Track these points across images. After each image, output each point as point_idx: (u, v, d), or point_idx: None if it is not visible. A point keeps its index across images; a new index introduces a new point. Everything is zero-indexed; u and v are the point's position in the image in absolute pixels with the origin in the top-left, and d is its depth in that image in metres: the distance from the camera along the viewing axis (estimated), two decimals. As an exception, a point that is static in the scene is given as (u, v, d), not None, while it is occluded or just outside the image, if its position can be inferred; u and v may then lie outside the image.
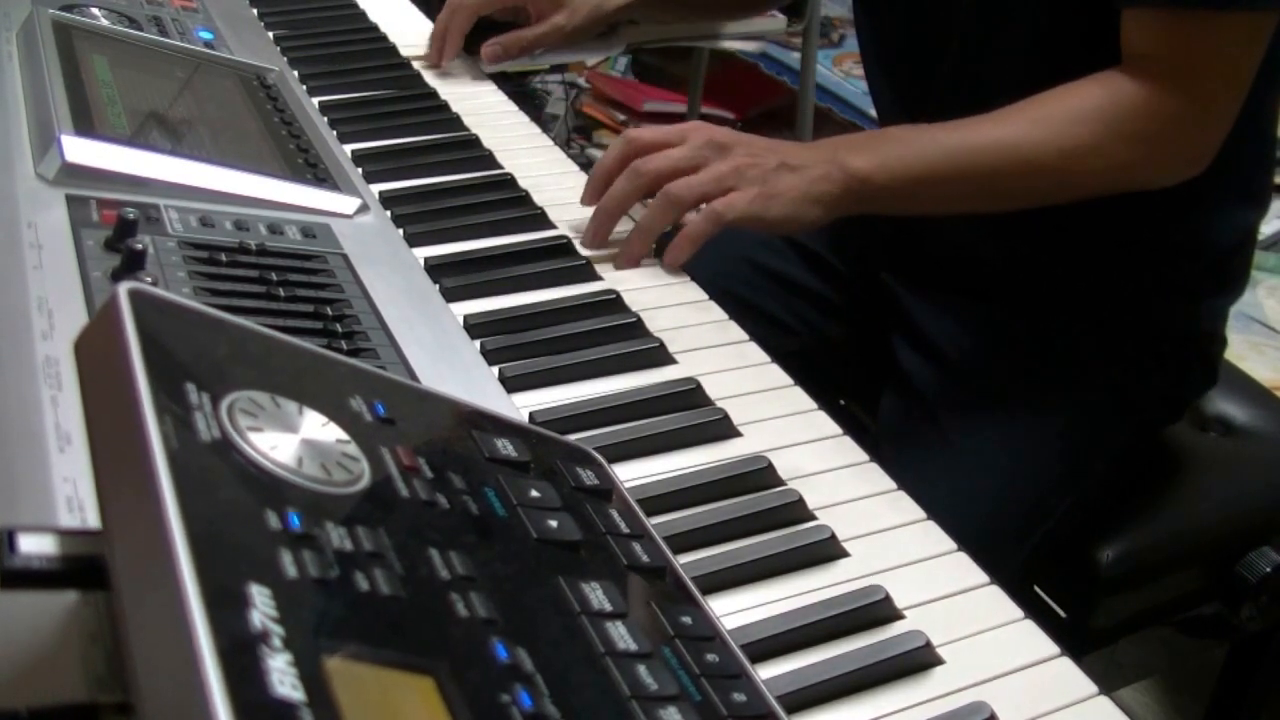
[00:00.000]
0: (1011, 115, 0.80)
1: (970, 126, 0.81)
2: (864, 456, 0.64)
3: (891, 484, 0.62)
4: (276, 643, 0.28)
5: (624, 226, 0.81)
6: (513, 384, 0.65)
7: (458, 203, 0.84)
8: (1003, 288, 0.93)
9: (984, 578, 0.57)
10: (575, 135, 2.75)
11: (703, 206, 0.77)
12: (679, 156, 0.78)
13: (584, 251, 0.80)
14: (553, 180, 0.90)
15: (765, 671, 0.48)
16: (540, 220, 0.84)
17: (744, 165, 0.77)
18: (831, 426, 0.66)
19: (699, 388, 0.66)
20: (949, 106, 0.91)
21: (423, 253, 0.77)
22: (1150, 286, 0.92)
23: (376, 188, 0.85)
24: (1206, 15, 0.75)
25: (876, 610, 0.53)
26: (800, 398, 0.68)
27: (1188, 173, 0.80)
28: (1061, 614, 0.91)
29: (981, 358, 0.91)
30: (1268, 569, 0.94)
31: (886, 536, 0.59)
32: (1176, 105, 0.77)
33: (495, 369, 0.66)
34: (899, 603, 0.54)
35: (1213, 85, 0.77)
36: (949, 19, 0.88)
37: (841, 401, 1.14)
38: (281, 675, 0.27)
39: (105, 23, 0.96)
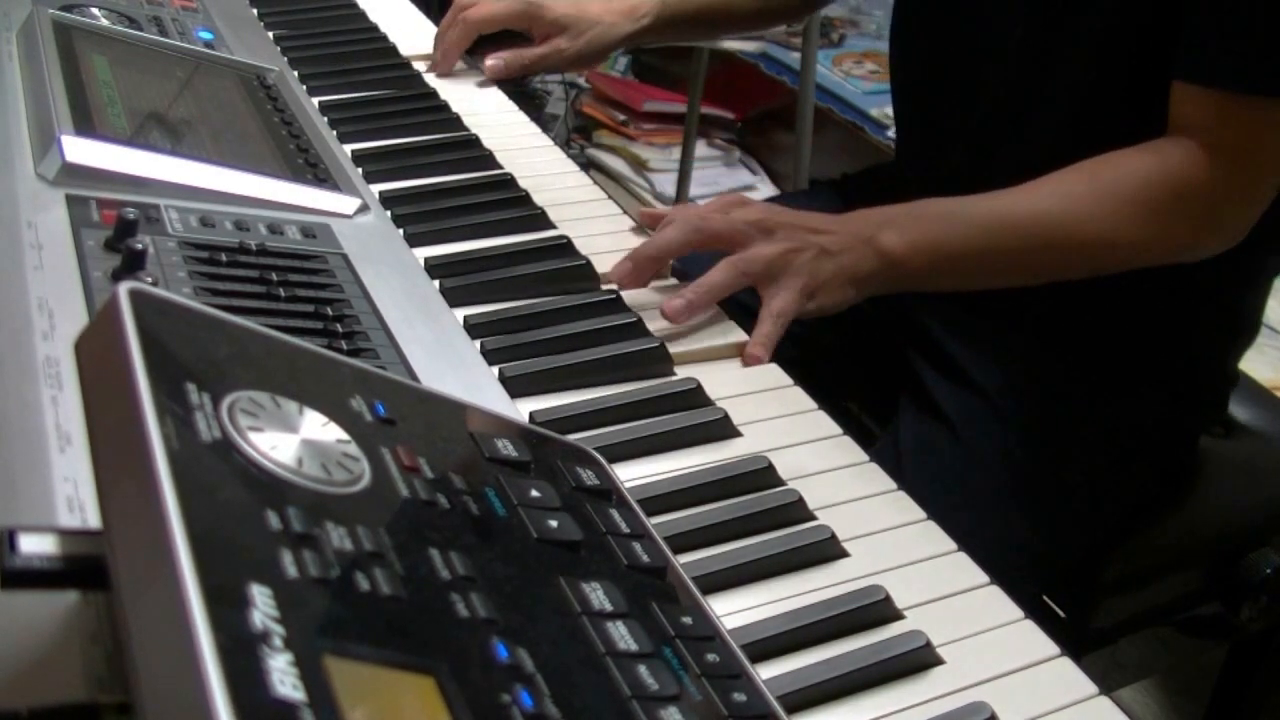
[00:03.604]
0: (1049, 188, 0.79)
1: (1007, 199, 0.80)
2: (864, 457, 0.64)
3: (892, 484, 0.62)
4: (277, 642, 0.28)
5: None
6: (513, 384, 0.65)
7: (458, 203, 0.84)
8: (1024, 316, 0.93)
9: (984, 578, 0.57)
10: (575, 135, 2.75)
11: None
12: (733, 225, 0.77)
13: (584, 252, 0.80)
14: (553, 180, 0.90)
15: (765, 671, 0.48)
16: (540, 220, 0.84)
17: (790, 252, 0.76)
18: (831, 426, 0.66)
19: (699, 388, 0.66)
20: (983, 149, 0.90)
21: (423, 253, 0.77)
22: (1174, 328, 0.92)
23: (376, 188, 0.85)
24: (1263, 101, 0.74)
25: (877, 610, 0.53)
26: (800, 398, 0.68)
27: (1223, 248, 0.80)
28: (1061, 614, 0.91)
29: (1002, 382, 0.91)
30: (1268, 569, 0.94)
31: (886, 536, 0.59)
32: (1221, 186, 0.76)
33: (495, 369, 0.66)
34: (899, 603, 0.54)
35: (1260, 168, 0.77)
36: (989, 64, 0.88)
37: (844, 404, 1.14)
38: (282, 675, 0.27)
39: (105, 23, 0.96)
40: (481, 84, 1.09)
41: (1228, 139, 0.76)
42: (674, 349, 0.70)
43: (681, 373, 0.69)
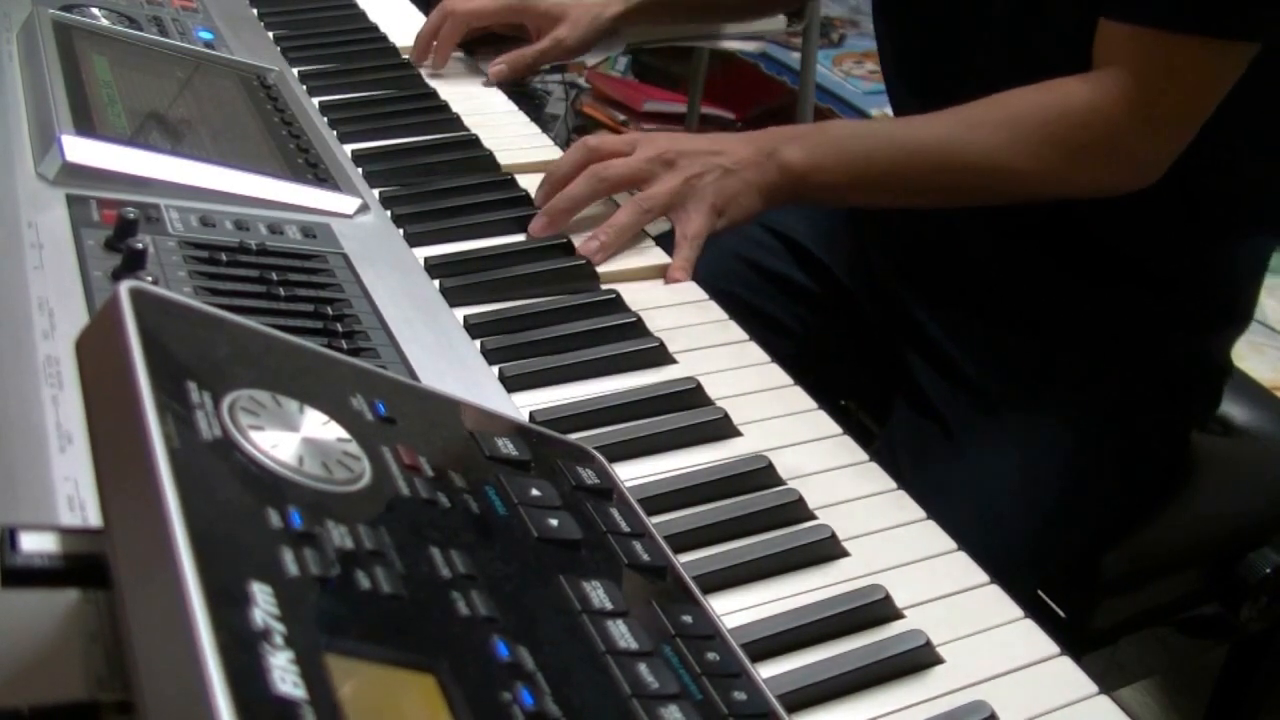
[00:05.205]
0: (953, 116, 0.82)
1: (914, 123, 0.84)
2: (864, 456, 0.64)
3: (891, 484, 0.62)
4: (278, 640, 0.28)
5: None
6: (513, 383, 0.65)
7: (458, 203, 0.84)
8: (1019, 311, 0.93)
9: (984, 577, 0.57)
10: (575, 135, 2.75)
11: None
12: (635, 167, 0.82)
13: (584, 252, 0.80)
14: (553, 180, 0.90)
15: (766, 670, 0.48)
16: (540, 220, 0.84)
17: (692, 178, 0.81)
18: (831, 426, 0.66)
19: (699, 387, 0.66)
20: None
21: (423, 253, 0.77)
22: (1166, 320, 0.92)
23: (376, 188, 0.85)
24: (1169, 36, 0.75)
25: (876, 609, 0.53)
26: (800, 397, 0.68)
27: (1131, 186, 0.81)
28: (1061, 614, 0.91)
29: (996, 377, 0.91)
30: (1268, 569, 0.94)
31: (886, 536, 0.59)
32: (1123, 120, 0.77)
33: (495, 368, 0.66)
34: (899, 602, 0.54)
35: (1166, 105, 0.77)
36: (976, 33, 0.88)
37: (842, 402, 1.14)
38: (283, 673, 0.27)
39: (105, 23, 0.96)
40: (484, 84, 1.09)
41: (1142, 74, 0.77)
42: (674, 348, 0.70)
43: (680, 370, 0.68)
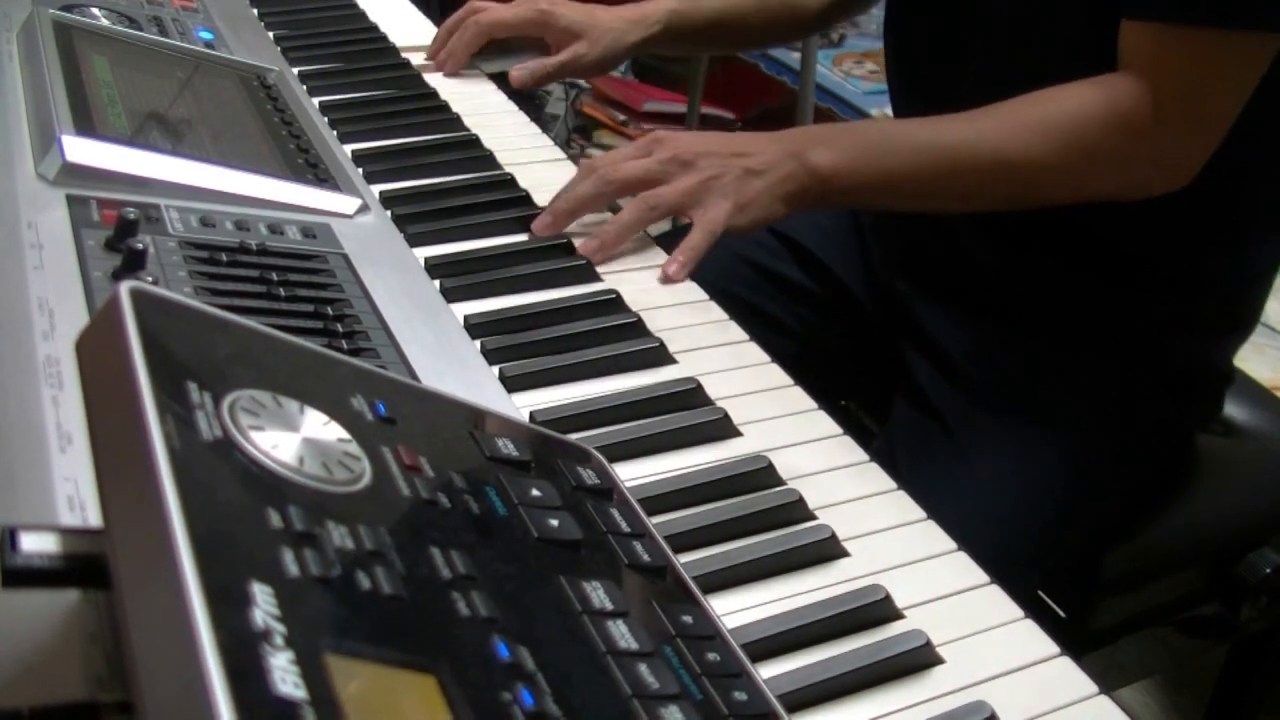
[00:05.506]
0: (981, 118, 0.81)
1: (938, 126, 0.82)
2: (864, 456, 0.64)
3: (891, 484, 0.62)
4: (278, 641, 0.28)
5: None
6: (513, 383, 0.65)
7: (458, 203, 0.84)
8: (1021, 311, 0.93)
9: (984, 577, 0.57)
10: (575, 135, 2.75)
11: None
12: (646, 167, 0.80)
13: (584, 252, 0.80)
14: (553, 180, 0.90)
15: (766, 671, 0.48)
16: (540, 220, 0.84)
17: (710, 179, 0.79)
18: (831, 426, 0.66)
19: (699, 387, 0.66)
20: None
21: (423, 253, 0.77)
22: (1168, 322, 0.92)
23: (377, 188, 0.85)
24: (1192, 31, 0.74)
25: (877, 610, 0.53)
26: (800, 398, 0.68)
27: (1163, 189, 0.80)
28: (1061, 614, 0.91)
29: (996, 377, 0.91)
30: (1268, 569, 0.94)
31: (886, 536, 0.59)
32: (1158, 119, 0.77)
33: (496, 368, 0.66)
34: (899, 602, 0.54)
35: (1194, 104, 0.77)
36: (976, 35, 0.88)
37: (843, 402, 1.14)
38: (283, 673, 0.27)
39: (105, 23, 0.96)
40: (482, 82, 1.09)
41: (1167, 71, 0.76)
42: (674, 348, 0.70)
43: (680, 371, 0.68)
